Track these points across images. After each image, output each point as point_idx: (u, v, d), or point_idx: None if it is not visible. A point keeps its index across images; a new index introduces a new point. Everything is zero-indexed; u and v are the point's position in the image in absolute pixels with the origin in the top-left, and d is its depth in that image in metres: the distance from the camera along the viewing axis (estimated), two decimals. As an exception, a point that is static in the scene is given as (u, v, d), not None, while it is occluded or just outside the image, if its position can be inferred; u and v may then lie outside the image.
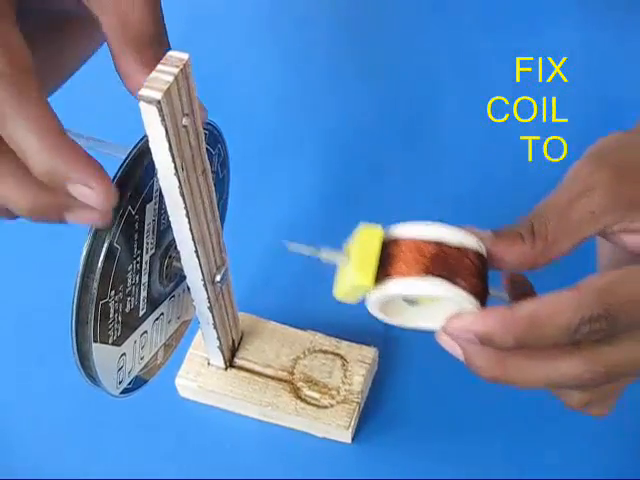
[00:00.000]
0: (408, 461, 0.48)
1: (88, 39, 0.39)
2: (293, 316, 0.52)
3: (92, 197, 0.32)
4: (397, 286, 0.33)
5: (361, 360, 0.49)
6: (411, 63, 0.63)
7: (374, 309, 0.35)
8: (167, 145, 0.32)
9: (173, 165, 0.33)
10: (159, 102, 0.31)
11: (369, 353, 0.50)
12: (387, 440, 0.49)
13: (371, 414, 0.49)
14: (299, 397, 0.48)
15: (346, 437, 0.48)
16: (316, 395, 0.48)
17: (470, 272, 0.34)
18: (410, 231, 0.34)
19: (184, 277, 0.44)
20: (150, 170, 0.37)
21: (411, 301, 0.36)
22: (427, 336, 0.51)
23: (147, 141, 0.36)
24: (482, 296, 0.34)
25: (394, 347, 0.52)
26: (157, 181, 0.38)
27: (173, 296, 0.45)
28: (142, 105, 0.31)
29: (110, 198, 0.33)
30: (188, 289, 0.43)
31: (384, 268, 0.34)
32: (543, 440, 0.49)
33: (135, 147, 0.37)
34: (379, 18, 0.68)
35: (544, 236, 0.35)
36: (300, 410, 0.48)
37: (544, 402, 0.48)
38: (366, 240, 0.34)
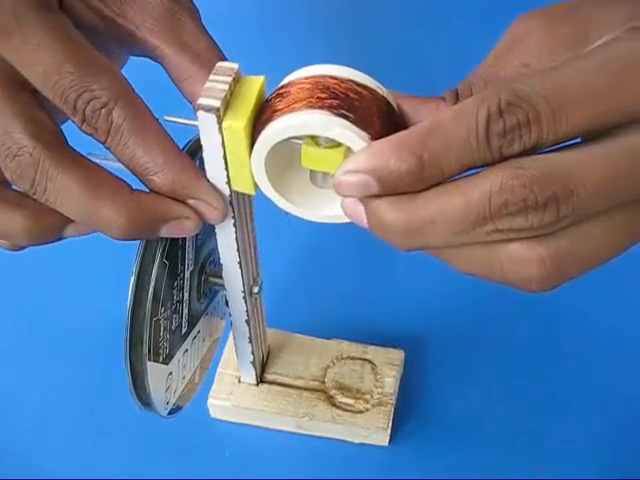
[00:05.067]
0: (446, 458, 0.49)
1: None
2: (315, 327, 0.52)
3: (211, 213, 0.34)
4: (277, 124, 0.30)
5: (389, 362, 0.50)
6: (410, 63, 0.65)
7: (262, 179, 0.32)
8: (222, 153, 0.33)
9: (226, 174, 0.34)
10: (218, 110, 0.31)
11: (396, 355, 0.51)
12: (422, 439, 0.50)
13: (403, 415, 0.50)
14: (334, 405, 0.49)
15: (384, 439, 0.48)
16: (350, 401, 0.49)
17: (379, 117, 0.30)
18: (304, 72, 0.31)
19: (215, 293, 0.45)
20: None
21: (316, 178, 0.33)
22: (450, 338, 0.53)
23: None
24: None
25: (417, 349, 0.53)
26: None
27: (207, 313, 0.45)
28: (200, 114, 0.32)
29: (225, 216, 0.35)
30: (226, 304, 0.43)
31: (269, 112, 0.31)
32: (582, 438, 0.49)
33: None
34: (379, 19, 0.70)
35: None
36: (337, 417, 0.48)
37: (579, 402, 0.50)
38: (245, 88, 0.32)
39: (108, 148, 0.33)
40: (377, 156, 0.28)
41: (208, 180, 0.34)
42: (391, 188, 0.28)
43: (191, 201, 0.34)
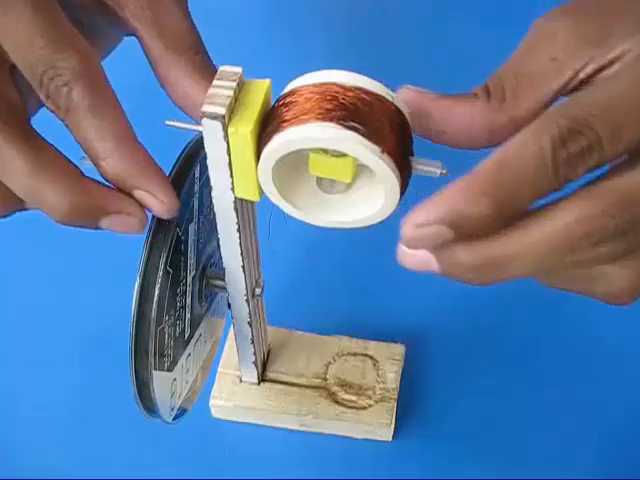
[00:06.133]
0: (449, 452, 0.49)
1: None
2: (315, 325, 0.52)
3: (156, 207, 0.33)
4: (285, 136, 0.29)
5: (391, 357, 0.50)
6: (411, 63, 0.64)
7: (269, 185, 0.31)
8: (227, 160, 0.32)
9: (231, 181, 0.33)
10: (223, 117, 0.30)
11: (398, 350, 0.50)
12: (425, 434, 0.49)
13: (405, 410, 0.50)
14: (337, 402, 0.48)
15: (387, 435, 0.48)
16: (353, 397, 0.48)
17: (390, 129, 0.29)
18: (310, 78, 0.30)
19: (216, 294, 0.44)
20: (191, 190, 0.37)
21: (324, 184, 0.33)
22: (451, 334, 0.53)
23: (183, 162, 0.36)
24: (400, 162, 0.29)
25: (418, 345, 0.52)
26: (196, 200, 0.38)
27: (207, 316, 0.44)
28: (205, 122, 0.31)
29: (173, 211, 0.34)
30: (228, 306, 0.42)
31: (277, 122, 0.30)
32: (583, 437, 0.49)
33: (173, 169, 0.36)
34: (379, 19, 0.69)
35: (500, 95, 0.30)
36: (340, 414, 0.48)
37: (580, 400, 0.50)
38: (250, 92, 0.31)
39: (67, 127, 0.32)
40: (449, 204, 0.27)
41: (161, 171, 0.33)
42: (468, 233, 0.27)
43: (137, 192, 0.33)
